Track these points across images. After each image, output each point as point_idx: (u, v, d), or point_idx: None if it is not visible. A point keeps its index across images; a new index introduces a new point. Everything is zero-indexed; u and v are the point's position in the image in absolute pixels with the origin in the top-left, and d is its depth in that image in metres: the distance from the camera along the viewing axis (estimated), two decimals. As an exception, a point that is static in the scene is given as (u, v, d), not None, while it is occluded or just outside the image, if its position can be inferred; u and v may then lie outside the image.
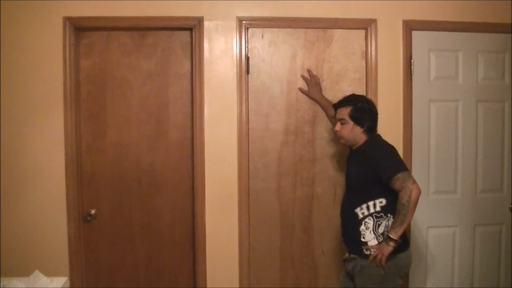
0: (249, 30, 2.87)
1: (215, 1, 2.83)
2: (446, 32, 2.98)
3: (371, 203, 2.42)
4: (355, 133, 2.50)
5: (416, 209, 2.98)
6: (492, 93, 3.07)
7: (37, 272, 2.34)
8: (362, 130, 2.49)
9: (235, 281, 2.92)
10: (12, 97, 2.73)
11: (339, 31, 2.93)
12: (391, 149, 2.46)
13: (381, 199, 2.42)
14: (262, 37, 2.89)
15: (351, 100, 2.54)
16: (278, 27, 2.89)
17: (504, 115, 3.08)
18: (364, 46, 2.95)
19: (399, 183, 2.31)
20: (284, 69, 2.92)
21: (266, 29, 2.89)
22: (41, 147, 2.78)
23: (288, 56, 2.92)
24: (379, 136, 2.58)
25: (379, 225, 2.42)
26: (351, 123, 2.49)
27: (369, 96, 2.91)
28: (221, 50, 2.85)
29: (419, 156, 3.01)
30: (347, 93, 2.91)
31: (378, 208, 2.42)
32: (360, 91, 2.93)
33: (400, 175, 2.31)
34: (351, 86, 2.95)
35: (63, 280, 2.43)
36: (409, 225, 2.96)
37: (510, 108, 3.08)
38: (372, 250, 2.40)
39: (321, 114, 2.93)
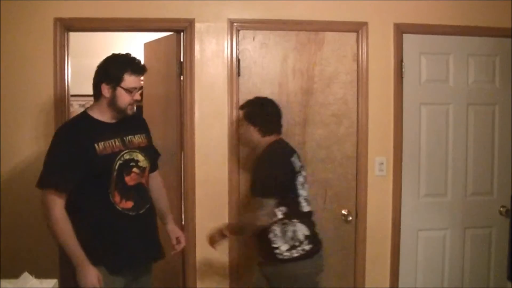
0: (240, 32, 2.87)
1: (207, 4, 2.83)
2: (437, 36, 3.00)
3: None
4: (250, 134, 2.52)
5: (407, 212, 3.04)
6: (483, 96, 3.08)
7: (26, 274, 2.33)
8: (256, 130, 2.48)
9: (225, 282, 2.92)
10: (3, 98, 2.72)
11: (330, 33, 2.94)
12: (271, 167, 2.42)
13: (281, 207, 2.41)
14: (254, 39, 2.89)
15: (247, 102, 2.58)
16: (270, 29, 2.89)
17: (495, 118, 3.10)
18: (356, 49, 2.95)
19: (253, 205, 2.35)
20: (276, 71, 2.92)
21: (257, 31, 2.89)
22: (31, 148, 2.77)
23: (280, 58, 2.92)
24: (276, 144, 2.51)
25: (286, 231, 2.42)
26: (245, 124, 2.53)
27: (360, 99, 2.94)
28: (212, 52, 2.85)
29: (410, 159, 3.02)
30: (339, 96, 2.96)
31: (281, 216, 2.42)
32: (351, 93, 2.95)
33: (258, 199, 2.37)
34: (342, 88, 2.95)
35: (52, 282, 2.41)
36: (397, 227, 2.99)
37: (500, 111, 3.09)
38: (285, 254, 2.41)
39: (312, 116, 2.94)
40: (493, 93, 3.09)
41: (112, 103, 2.13)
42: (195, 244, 2.88)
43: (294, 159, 2.48)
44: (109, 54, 2.18)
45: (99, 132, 2.15)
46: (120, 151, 2.16)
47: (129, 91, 2.12)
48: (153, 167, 2.40)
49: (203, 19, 2.84)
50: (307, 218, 2.47)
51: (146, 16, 2.80)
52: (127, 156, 2.18)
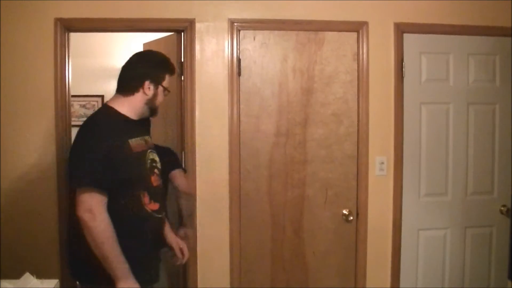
0: (241, 32, 2.87)
1: (207, 3, 2.83)
2: (437, 35, 3.00)
3: None
4: None
5: (407, 211, 3.04)
6: (483, 95, 3.08)
7: (27, 274, 2.33)
8: None
9: (226, 282, 2.92)
10: (3, 98, 2.72)
11: (330, 33, 2.94)
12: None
13: None
14: (254, 39, 2.89)
15: None
16: (270, 29, 2.89)
17: (495, 117, 3.09)
18: (356, 48, 2.95)
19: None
20: (276, 71, 2.92)
21: (257, 31, 2.89)
22: (32, 148, 2.77)
23: (280, 58, 2.92)
24: None
25: None
26: None
27: (361, 98, 2.96)
28: (212, 51, 2.86)
29: (410, 158, 3.01)
30: (339, 95, 2.96)
31: None
32: (352, 93, 2.96)
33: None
34: (343, 88, 2.95)
35: (53, 282, 2.41)
36: (398, 227, 2.99)
37: (500, 110, 3.09)
38: None
39: (312, 116, 2.94)
40: (494, 92, 3.09)
41: (151, 101, 2.09)
42: (196, 242, 2.88)
43: None
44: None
45: (130, 128, 2.06)
46: (146, 150, 2.10)
47: (167, 90, 2.14)
48: None
49: (204, 19, 2.84)
50: None
51: (146, 16, 2.80)
52: (150, 156, 2.13)
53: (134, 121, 2.09)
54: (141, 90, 2.05)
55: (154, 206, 2.08)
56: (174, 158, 2.82)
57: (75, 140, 2.01)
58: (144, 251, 2.07)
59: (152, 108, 2.13)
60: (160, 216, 2.12)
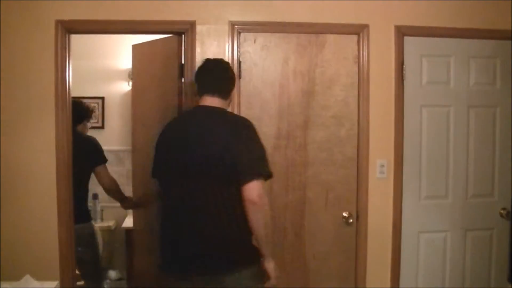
0: (242, 34, 2.87)
1: (208, 6, 2.83)
2: (438, 38, 3.00)
3: None
4: None
5: (407, 214, 3.04)
6: (484, 98, 3.08)
7: (27, 276, 2.34)
8: None
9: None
10: (3, 100, 2.72)
11: (331, 36, 2.94)
12: None
13: None
14: (255, 41, 2.89)
15: None
16: (271, 32, 2.90)
17: (495, 120, 3.09)
18: (357, 51, 2.95)
19: None
20: (276, 73, 2.92)
21: (258, 34, 2.89)
22: (32, 150, 2.77)
23: (280, 60, 2.92)
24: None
25: None
26: None
27: (361, 101, 2.95)
28: (213, 54, 2.84)
29: (411, 161, 3.02)
30: (340, 98, 2.96)
31: None
32: (352, 95, 2.96)
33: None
34: (343, 90, 2.96)
35: (54, 284, 2.42)
36: (398, 230, 2.98)
37: (501, 113, 3.09)
38: None
39: (313, 118, 2.94)
40: (494, 95, 3.09)
41: (229, 106, 2.44)
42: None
43: None
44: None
45: None
46: None
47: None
48: None
49: (204, 21, 2.84)
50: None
51: (147, 18, 2.80)
52: None
53: None
54: (230, 96, 2.39)
55: None
56: (98, 151, 3.08)
57: (243, 138, 2.20)
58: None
59: None
60: None
